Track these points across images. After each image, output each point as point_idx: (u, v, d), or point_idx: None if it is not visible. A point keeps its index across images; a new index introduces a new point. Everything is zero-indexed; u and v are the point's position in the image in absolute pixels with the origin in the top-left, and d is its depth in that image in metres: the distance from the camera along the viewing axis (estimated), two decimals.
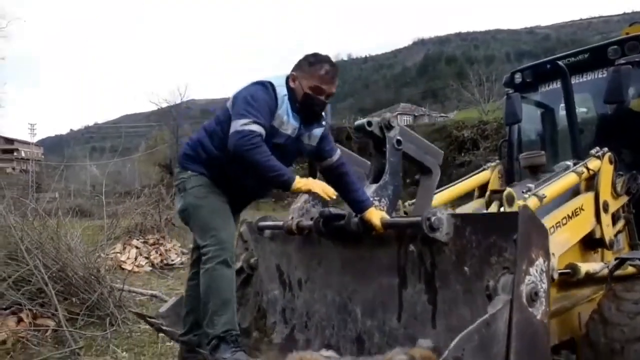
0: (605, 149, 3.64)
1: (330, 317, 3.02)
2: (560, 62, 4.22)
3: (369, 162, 3.42)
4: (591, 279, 3.17)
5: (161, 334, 5.74)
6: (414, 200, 3.67)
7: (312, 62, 2.74)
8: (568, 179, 3.42)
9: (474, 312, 2.21)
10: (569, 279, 3.02)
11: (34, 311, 5.66)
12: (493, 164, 4.60)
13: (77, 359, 4.99)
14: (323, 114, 2.92)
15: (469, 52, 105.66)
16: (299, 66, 2.79)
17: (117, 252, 10.12)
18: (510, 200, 2.69)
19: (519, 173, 4.57)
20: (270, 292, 3.54)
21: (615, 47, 4.17)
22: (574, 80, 4.32)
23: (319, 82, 2.72)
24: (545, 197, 3.10)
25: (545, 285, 2.06)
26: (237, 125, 2.59)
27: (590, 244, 3.48)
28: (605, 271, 3.12)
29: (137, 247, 10.61)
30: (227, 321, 2.69)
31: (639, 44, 4.11)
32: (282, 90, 2.74)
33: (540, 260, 2.07)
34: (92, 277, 6.44)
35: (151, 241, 11.01)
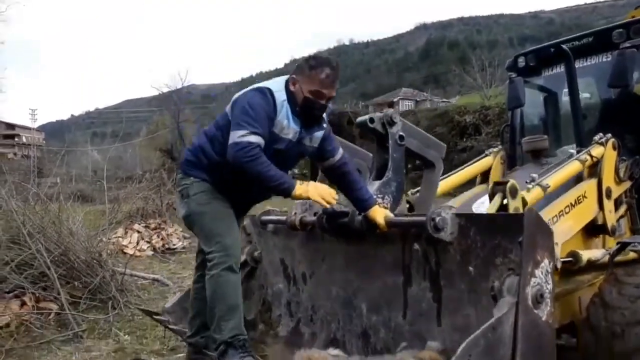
0: (609, 135, 3.62)
1: (336, 312, 3.03)
2: (564, 46, 4.18)
3: (370, 154, 3.41)
4: (593, 266, 3.17)
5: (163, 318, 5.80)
6: (417, 189, 3.66)
7: (313, 65, 2.71)
8: (571, 167, 3.40)
9: (479, 312, 2.22)
10: (570, 267, 3.02)
11: (37, 294, 5.69)
12: (495, 149, 4.58)
13: (79, 342, 5.03)
14: (324, 116, 2.88)
15: (471, 37, 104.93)
16: (299, 69, 2.76)
17: (119, 237, 10.16)
18: (514, 193, 2.68)
19: (521, 158, 4.56)
20: (275, 285, 3.55)
21: (620, 30, 4.13)
22: (578, 64, 4.28)
23: (319, 86, 2.69)
24: (549, 186, 3.09)
25: (550, 286, 2.07)
26: (235, 136, 2.60)
27: (592, 230, 3.47)
28: (607, 258, 3.12)
29: (138, 232, 10.65)
30: (234, 326, 2.72)
31: None
32: (280, 96, 2.72)
33: (546, 261, 2.07)
34: (94, 261, 6.46)
35: (153, 225, 11.04)
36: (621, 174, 3.65)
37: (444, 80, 66.00)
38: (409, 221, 2.64)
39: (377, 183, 3.01)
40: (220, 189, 2.83)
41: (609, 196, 3.50)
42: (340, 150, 2.99)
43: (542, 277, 2.04)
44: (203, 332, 3.00)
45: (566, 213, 3.17)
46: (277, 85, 2.76)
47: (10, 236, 6.27)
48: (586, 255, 3.13)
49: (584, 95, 4.60)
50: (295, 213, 3.25)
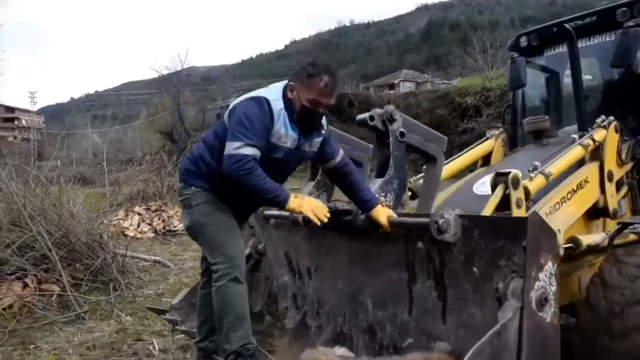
0: (611, 117, 3.59)
1: (341, 307, 3.04)
2: (567, 25, 4.13)
3: (371, 145, 3.39)
4: (593, 250, 3.17)
5: (164, 299, 5.83)
6: (420, 176, 3.64)
7: (311, 73, 2.67)
8: (574, 153, 3.38)
9: (484, 311, 2.23)
10: (571, 252, 3.02)
11: (39, 276, 5.72)
12: (496, 132, 4.55)
13: (82, 323, 5.07)
14: (323, 122, 2.85)
15: (472, 18, 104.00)
16: (297, 77, 2.72)
17: (120, 219, 10.19)
18: (516, 183, 2.66)
19: (522, 138, 4.54)
20: (280, 277, 3.55)
21: (624, 9, 4.07)
22: (581, 44, 4.23)
23: (317, 95, 2.65)
24: (551, 174, 3.07)
25: (554, 288, 2.08)
26: (230, 148, 2.59)
27: (594, 212, 3.46)
28: (607, 242, 3.12)
29: (139, 214, 10.68)
30: (242, 336, 2.74)
31: None
32: (277, 105, 2.68)
33: (549, 264, 2.08)
34: (95, 243, 6.49)
35: (153, 208, 11.07)
36: (623, 156, 3.63)
37: (445, 62, 65.52)
38: (412, 222, 2.64)
39: (379, 181, 3.00)
40: (222, 197, 2.82)
41: (610, 179, 3.49)
42: (341, 152, 2.97)
43: (546, 280, 2.06)
44: (211, 337, 3.02)
45: (568, 199, 3.16)
46: (274, 94, 2.72)
47: (11, 218, 6.29)
48: (586, 240, 3.12)
49: (585, 77, 4.56)
50: None
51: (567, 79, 4.59)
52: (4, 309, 5.12)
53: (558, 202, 3.08)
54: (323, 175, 3.37)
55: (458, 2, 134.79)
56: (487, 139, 4.52)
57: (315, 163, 3.33)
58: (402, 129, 3.03)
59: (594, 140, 3.45)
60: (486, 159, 4.40)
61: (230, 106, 2.79)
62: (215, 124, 2.96)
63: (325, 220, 2.67)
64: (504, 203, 2.67)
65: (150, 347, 4.33)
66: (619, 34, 3.72)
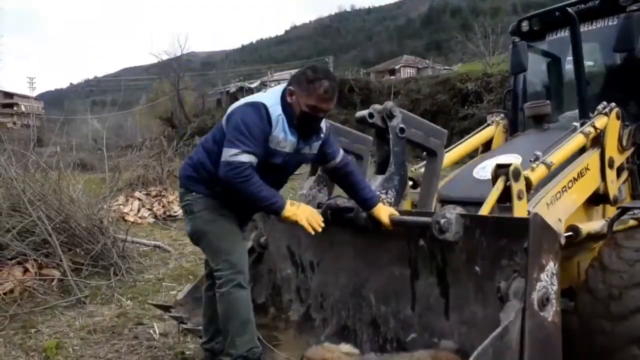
0: (613, 104, 3.57)
1: (345, 300, 3.05)
2: (569, 9, 4.09)
3: (370, 138, 3.37)
4: (593, 237, 3.18)
5: (165, 283, 5.87)
6: (422, 164, 3.63)
7: (311, 79, 2.63)
8: (575, 142, 3.36)
9: (486, 310, 2.25)
10: (570, 240, 3.03)
11: (39, 261, 5.75)
12: (497, 118, 4.54)
13: (82, 307, 5.10)
14: (322, 125, 2.83)
15: (474, 4, 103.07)
16: (297, 81, 2.69)
17: (120, 204, 10.20)
18: (517, 175, 2.66)
19: (523, 123, 4.52)
20: (284, 270, 3.56)
21: None
22: (583, 29, 4.19)
23: (316, 101, 2.62)
24: (553, 164, 3.06)
25: (555, 287, 2.09)
26: (227, 155, 2.58)
27: (594, 199, 3.46)
28: (606, 228, 3.13)
29: (139, 199, 10.69)
30: (248, 340, 2.76)
31: None
32: (275, 110, 2.66)
33: (551, 264, 2.08)
34: (96, 228, 6.50)
35: (153, 193, 11.07)
36: (624, 142, 3.61)
37: (446, 48, 65.09)
38: (414, 221, 2.64)
39: (379, 178, 3.00)
40: (223, 202, 2.81)
41: (611, 166, 3.48)
42: (341, 152, 2.95)
43: (547, 280, 2.07)
44: (217, 338, 3.04)
45: (569, 188, 3.15)
46: (272, 99, 2.70)
47: (11, 204, 6.30)
48: (586, 228, 3.13)
49: (587, 63, 4.53)
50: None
51: (568, 66, 4.56)
52: (4, 294, 5.15)
53: (559, 192, 3.07)
54: (322, 173, 3.36)
55: None
56: (488, 125, 4.50)
57: (314, 164, 3.32)
58: (401, 125, 3.02)
59: (595, 128, 3.43)
60: (487, 146, 4.39)
61: (228, 111, 2.77)
62: (214, 128, 2.94)
63: (320, 230, 2.68)
64: (505, 195, 2.66)
65: (151, 331, 4.37)
66: (622, 18, 3.68)
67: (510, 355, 1.95)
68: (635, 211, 3.55)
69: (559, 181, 3.11)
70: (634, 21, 3.60)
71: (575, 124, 3.59)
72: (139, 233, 8.72)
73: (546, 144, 3.61)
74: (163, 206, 10.76)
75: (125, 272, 6.10)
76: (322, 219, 2.69)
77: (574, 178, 3.20)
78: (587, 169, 3.33)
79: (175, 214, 10.40)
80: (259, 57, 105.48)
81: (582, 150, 3.45)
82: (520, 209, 2.65)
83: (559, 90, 4.82)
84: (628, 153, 3.71)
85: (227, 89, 47.63)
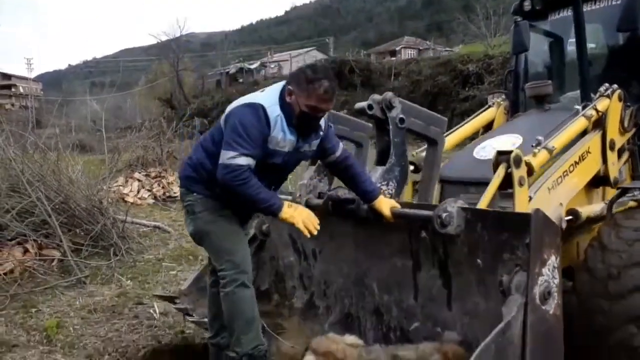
0: (615, 85, 3.53)
1: (348, 288, 3.05)
2: None
3: (370, 125, 3.35)
4: (592, 220, 3.18)
5: (164, 263, 5.89)
6: (423, 148, 3.61)
7: (311, 79, 2.59)
8: (577, 125, 3.33)
9: (488, 302, 2.26)
10: (570, 224, 3.03)
11: (39, 242, 5.76)
12: (498, 99, 4.50)
13: (83, 287, 5.12)
14: (321, 122, 2.80)
15: None
16: (296, 81, 2.65)
17: (120, 185, 10.19)
18: (518, 162, 2.64)
19: (524, 104, 4.49)
20: (286, 258, 3.55)
21: None
22: (586, 8, 4.14)
23: (316, 102, 2.60)
24: (554, 149, 3.04)
25: (557, 281, 2.09)
26: (225, 158, 2.58)
27: (594, 181, 3.44)
28: (606, 211, 3.12)
29: (139, 180, 10.68)
30: (253, 338, 2.79)
31: None
32: (274, 111, 2.64)
33: (552, 258, 2.08)
34: (95, 208, 6.51)
35: (153, 174, 11.06)
36: (626, 124, 3.59)
37: (448, 29, 64.55)
38: (416, 215, 2.63)
39: (380, 169, 2.99)
40: (223, 202, 2.81)
41: (612, 148, 3.46)
42: (341, 146, 2.94)
43: (549, 274, 2.07)
44: (223, 333, 3.06)
45: (571, 172, 3.13)
46: (270, 99, 2.67)
47: (10, 184, 6.29)
48: (585, 212, 3.12)
49: (589, 45, 4.48)
50: (300, 195, 3.24)
51: (570, 47, 4.51)
52: (5, 274, 5.17)
53: (560, 176, 3.06)
54: (320, 166, 3.35)
55: None
56: (489, 107, 4.47)
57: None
58: (401, 115, 3.00)
59: (597, 111, 3.40)
60: (488, 129, 4.36)
61: (227, 111, 2.75)
62: (212, 128, 2.93)
63: (315, 232, 2.69)
64: (507, 181, 2.65)
65: (151, 311, 4.40)
66: None
67: (513, 350, 1.97)
68: (635, 192, 3.54)
69: (560, 165, 3.09)
70: (638, 0, 3.55)
71: (577, 107, 3.56)
72: (139, 214, 8.73)
73: (547, 125, 3.58)
74: (163, 187, 10.76)
75: (125, 253, 6.12)
76: (318, 221, 2.71)
77: (575, 162, 3.19)
78: (588, 152, 3.31)
79: (175, 194, 10.39)
80: (259, 37, 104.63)
81: (583, 133, 3.43)
82: (521, 196, 2.64)
83: (560, 71, 4.78)
84: (629, 134, 3.69)
85: (227, 70, 47.40)
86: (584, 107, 3.48)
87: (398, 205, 2.74)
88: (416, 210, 2.66)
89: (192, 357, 3.68)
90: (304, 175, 3.39)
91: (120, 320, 4.28)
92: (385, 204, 2.72)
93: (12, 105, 52.00)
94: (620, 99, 3.53)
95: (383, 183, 2.93)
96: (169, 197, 10.50)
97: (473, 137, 4.36)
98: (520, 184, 2.65)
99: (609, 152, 3.42)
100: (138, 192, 10.35)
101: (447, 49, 45.94)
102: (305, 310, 3.35)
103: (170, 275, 5.50)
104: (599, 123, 3.45)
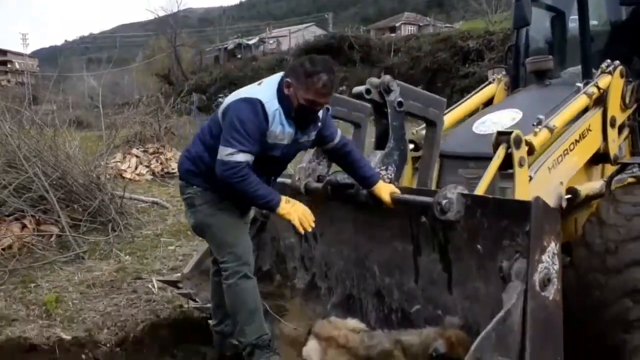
0: (617, 62, 3.48)
1: (349, 270, 3.05)
2: None
3: (368, 105, 3.31)
4: (591, 198, 3.16)
5: (163, 239, 5.90)
6: (423, 126, 3.58)
7: (309, 72, 2.55)
8: (578, 103, 3.29)
9: (488, 287, 2.26)
10: (569, 202, 3.02)
11: (37, 217, 5.76)
12: (499, 75, 4.45)
13: (81, 263, 5.14)
14: (319, 114, 2.78)
15: None
16: (294, 74, 2.61)
17: (118, 162, 10.17)
18: (518, 143, 2.60)
19: (524, 79, 4.44)
20: (287, 239, 3.55)
21: None
22: None
23: (314, 96, 2.56)
24: (555, 127, 3.00)
25: (557, 266, 2.08)
26: (223, 154, 2.57)
27: (594, 159, 3.42)
28: (604, 188, 3.11)
29: (137, 156, 10.66)
30: (257, 327, 2.81)
31: None
32: (272, 106, 2.61)
33: (552, 244, 2.07)
34: (93, 184, 6.50)
35: (151, 150, 11.03)
36: (627, 100, 3.55)
37: (448, 5, 63.90)
38: (415, 201, 2.61)
39: (379, 154, 2.96)
40: (223, 195, 2.80)
41: (613, 125, 3.42)
42: (339, 132, 2.92)
43: (549, 261, 2.06)
44: (226, 321, 3.09)
45: (571, 150, 3.10)
46: (267, 94, 2.64)
47: (7, 160, 6.27)
48: (584, 190, 3.10)
49: (592, 22, 4.41)
50: (299, 178, 3.22)
51: (572, 24, 4.45)
52: (3, 249, 5.18)
53: (561, 155, 3.03)
54: (318, 151, 3.33)
55: None
56: (489, 83, 4.42)
57: None
58: (399, 99, 2.95)
59: (598, 88, 3.36)
60: (488, 105, 4.31)
61: (224, 105, 2.72)
62: (209, 120, 2.91)
63: (310, 229, 2.71)
64: (507, 162, 2.62)
65: (150, 285, 4.42)
66: None
67: (513, 337, 1.98)
68: (634, 169, 3.53)
69: (561, 144, 3.07)
70: None
71: (578, 84, 3.51)
72: (137, 190, 8.73)
73: (547, 100, 3.54)
74: (161, 163, 10.75)
75: (124, 228, 6.13)
76: (314, 218, 2.72)
77: (575, 140, 3.16)
78: (589, 130, 3.28)
79: (173, 171, 10.38)
80: (257, 13, 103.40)
81: (584, 111, 3.39)
82: (521, 176, 2.63)
83: (562, 46, 4.72)
84: (630, 111, 3.65)
85: (225, 46, 46.98)
86: (585, 84, 3.44)
87: (398, 191, 2.73)
88: (416, 197, 2.65)
89: (191, 330, 3.71)
90: (303, 158, 3.38)
91: (119, 295, 4.30)
92: (385, 190, 2.72)
93: (8, 81, 51.54)
94: (622, 76, 3.49)
95: (382, 168, 2.91)
96: (167, 173, 10.49)
97: (473, 115, 4.32)
98: (521, 165, 2.62)
99: (609, 129, 3.39)
100: (136, 168, 10.34)
101: (448, 25, 45.52)
102: (307, 291, 3.36)
103: (168, 250, 5.51)
104: (600, 100, 3.41)
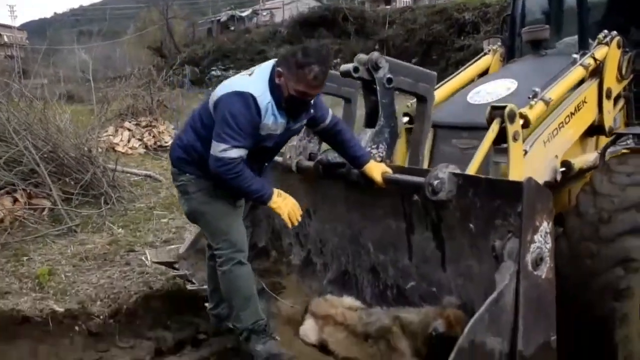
0: (614, 32, 3.43)
1: (344, 247, 3.06)
2: None
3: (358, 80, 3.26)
4: (585, 170, 3.16)
5: (156, 212, 5.88)
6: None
7: (301, 63, 2.49)
8: (575, 75, 3.25)
9: (481, 265, 2.26)
10: (563, 175, 3.00)
11: (29, 191, 5.72)
12: (494, 46, 4.39)
13: (74, 236, 5.12)
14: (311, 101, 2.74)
15: None
16: (286, 63, 2.55)
17: (110, 135, 10.08)
18: (512, 117, 2.56)
19: (520, 49, 4.39)
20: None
21: None
22: None
23: (305, 87, 2.52)
24: (551, 100, 2.96)
25: (549, 245, 2.08)
26: (217, 150, 2.55)
27: (589, 130, 3.40)
28: (598, 161, 3.09)
29: (129, 130, 10.56)
30: (252, 313, 2.83)
31: None
32: (264, 99, 2.57)
33: (544, 224, 2.07)
34: (85, 157, 6.45)
35: (144, 123, 10.93)
36: (623, 70, 3.51)
37: None
38: (407, 181, 2.59)
39: (369, 132, 2.93)
40: (216, 181, 2.77)
41: (609, 96, 3.39)
42: (330, 112, 2.89)
43: (541, 240, 2.06)
44: (223, 304, 3.10)
45: (566, 123, 3.08)
46: (259, 86, 2.60)
47: None
48: (578, 163, 3.10)
49: None
50: (290, 157, 3.19)
51: None
52: None
53: (556, 128, 3.01)
54: (308, 133, 3.30)
55: None
56: (485, 54, 4.36)
57: None
58: (389, 75, 2.90)
59: (595, 60, 3.32)
60: (483, 76, 4.26)
61: (216, 97, 2.67)
62: (200, 107, 2.87)
63: (296, 224, 2.74)
64: (501, 136, 2.59)
65: (142, 258, 4.41)
66: None
67: (506, 318, 2.00)
68: (628, 142, 3.51)
69: (556, 117, 3.04)
70: None
71: (574, 55, 3.47)
72: (130, 163, 8.68)
73: (543, 70, 3.50)
74: (154, 136, 10.67)
75: (116, 201, 6.10)
76: (301, 212, 2.74)
77: (571, 113, 3.13)
78: (584, 102, 3.25)
79: (166, 144, 10.32)
80: None
81: (580, 82, 3.35)
82: (516, 151, 2.61)
83: (558, 17, 4.66)
84: (626, 82, 3.62)
85: (218, 18, 46.26)
86: (582, 55, 3.39)
87: (389, 170, 2.71)
88: (407, 177, 2.62)
89: (184, 302, 3.72)
90: (293, 137, 3.35)
91: (112, 268, 4.30)
92: (376, 169, 2.70)
93: None
94: (619, 46, 3.44)
95: (373, 146, 2.89)
96: (160, 147, 10.42)
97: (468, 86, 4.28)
98: (515, 139, 2.60)
99: (605, 100, 3.36)
100: (128, 141, 10.26)
101: None
102: (302, 267, 3.37)
103: (161, 223, 5.50)
104: (597, 71, 3.37)
